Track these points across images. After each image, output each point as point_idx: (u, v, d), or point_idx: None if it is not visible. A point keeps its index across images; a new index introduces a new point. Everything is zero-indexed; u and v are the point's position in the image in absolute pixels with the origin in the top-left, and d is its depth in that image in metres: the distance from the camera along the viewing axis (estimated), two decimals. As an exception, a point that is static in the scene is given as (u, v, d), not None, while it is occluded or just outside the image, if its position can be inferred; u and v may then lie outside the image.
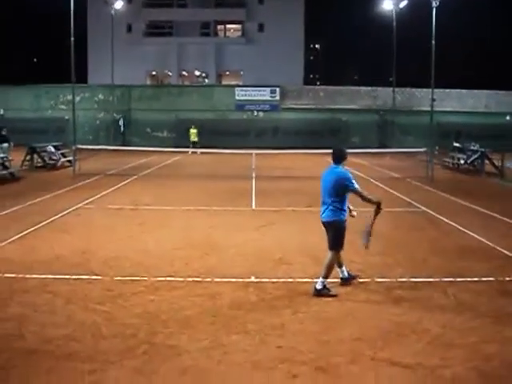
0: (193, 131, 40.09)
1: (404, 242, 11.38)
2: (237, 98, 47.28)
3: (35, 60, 74.09)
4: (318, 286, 7.73)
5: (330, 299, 7.61)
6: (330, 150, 8.06)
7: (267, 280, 8.49)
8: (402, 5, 40.20)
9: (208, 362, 5.69)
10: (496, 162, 25.72)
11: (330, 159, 8.15)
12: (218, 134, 43.23)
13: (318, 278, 7.83)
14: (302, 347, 6.04)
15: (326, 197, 7.80)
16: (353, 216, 8.11)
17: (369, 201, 7.89)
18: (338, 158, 7.95)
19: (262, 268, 9.20)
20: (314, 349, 5.99)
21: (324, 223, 7.95)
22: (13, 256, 9.81)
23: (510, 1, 52.23)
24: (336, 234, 7.79)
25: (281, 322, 6.79)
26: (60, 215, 13.85)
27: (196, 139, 39.56)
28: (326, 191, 7.82)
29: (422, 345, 6.14)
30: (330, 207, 7.76)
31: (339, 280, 8.26)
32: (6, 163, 22.32)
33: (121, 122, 45.59)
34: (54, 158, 26.99)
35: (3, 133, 24.00)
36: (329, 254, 7.83)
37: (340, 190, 7.72)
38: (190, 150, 35.51)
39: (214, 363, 5.68)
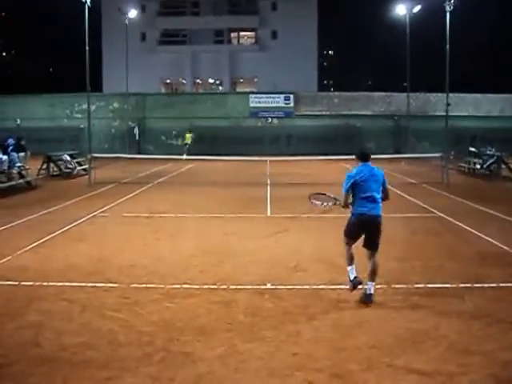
0: (188, 135, 41.05)
1: (421, 248, 11.30)
2: (251, 105, 47.37)
3: (50, 69, 74.86)
4: (372, 291, 7.74)
5: (345, 306, 7.57)
6: (361, 151, 8.27)
7: (283, 287, 8.46)
8: (416, 10, 40.12)
9: (224, 370, 5.68)
10: (513, 167, 25.53)
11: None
12: (232, 142, 43.38)
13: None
14: (318, 354, 6.01)
15: (376, 193, 7.87)
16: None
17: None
18: (370, 155, 8.27)
19: (278, 275, 9.18)
20: (330, 356, 5.96)
21: (375, 218, 7.83)
22: (29, 264, 9.87)
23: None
24: (380, 230, 7.88)
25: (296, 329, 6.77)
26: (76, 223, 13.93)
27: (189, 142, 40.38)
28: (377, 187, 7.91)
29: (439, 351, 6.08)
30: (380, 203, 7.92)
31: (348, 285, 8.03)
32: (23, 172, 22.52)
33: (135, 131, 45.86)
34: (70, 166, 27.18)
35: (22, 142, 24.23)
36: (377, 257, 7.85)
37: (381, 187, 8.03)
38: (184, 156, 33.72)
39: (229, 371, 5.66)
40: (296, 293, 8.23)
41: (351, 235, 7.99)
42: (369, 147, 8.13)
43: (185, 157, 33.02)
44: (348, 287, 7.97)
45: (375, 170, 8.03)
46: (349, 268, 7.91)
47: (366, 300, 7.63)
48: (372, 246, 7.85)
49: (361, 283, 7.80)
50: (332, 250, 10.89)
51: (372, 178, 7.90)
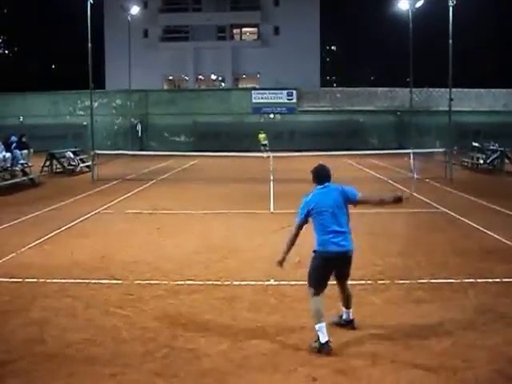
0: (261, 135, 39.01)
1: (424, 243, 11.29)
2: (253, 101, 47.34)
3: (53, 66, 74.84)
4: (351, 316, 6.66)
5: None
6: (317, 171, 6.61)
7: (286, 283, 8.46)
8: (418, 4, 39.92)
9: (228, 366, 5.69)
10: (516, 162, 25.49)
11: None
12: (235, 138, 43.44)
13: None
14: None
15: (342, 221, 6.29)
16: None
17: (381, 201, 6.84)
18: (329, 176, 6.57)
19: (281, 271, 9.12)
20: (334, 351, 5.94)
21: (345, 254, 6.29)
22: (33, 261, 9.90)
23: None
24: (351, 262, 6.45)
25: (300, 324, 6.76)
26: (79, 220, 13.95)
27: (266, 142, 38.40)
28: (342, 214, 6.31)
29: (443, 347, 6.07)
30: (348, 233, 6.33)
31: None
32: (26, 169, 22.56)
33: (138, 127, 45.86)
34: (73, 163, 27.24)
35: (24, 139, 24.28)
36: (348, 283, 6.65)
37: (347, 209, 6.41)
38: (267, 154, 32.44)
39: (233, 367, 5.67)
40: (299, 288, 8.21)
41: (319, 283, 6.30)
42: (324, 167, 6.53)
43: (265, 154, 32.48)
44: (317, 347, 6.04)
45: (335, 193, 6.35)
46: (317, 326, 6.04)
47: (346, 322, 6.62)
48: (343, 277, 6.54)
49: (331, 352, 5.93)
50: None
51: (334, 204, 6.28)
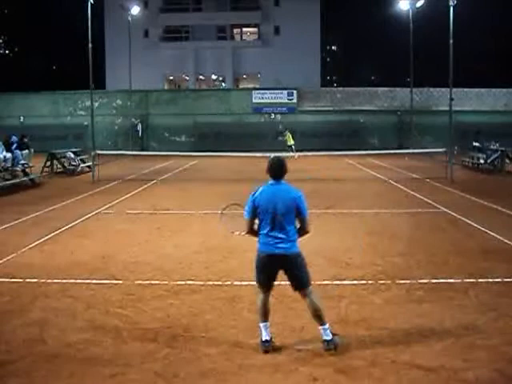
0: (289, 136, 37.93)
1: (425, 243, 11.28)
2: (254, 101, 47.36)
3: (54, 67, 74.90)
4: (330, 337, 5.99)
5: (349, 302, 7.55)
6: (271, 164, 6.17)
7: (286, 283, 8.42)
8: (419, 4, 39.93)
9: (228, 366, 5.68)
10: (517, 161, 25.49)
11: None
12: (235, 138, 43.47)
13: (323, 324, 6.05)
14: (323, 350, 5.99)
15: (285, 223, 5.96)
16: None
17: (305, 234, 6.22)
18: (283, 171, 6.19)
19: (281, 271, 9.14)
20: (335, 351, 5.94)
21: (284, 256, 6.04)
22: (33, 261, 9.89)
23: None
24: (300, 267, 6.13)
25: (301, 324, 6.75)
26: (80, 220, 13.94)
27: (292, 142, 37.41)
28: (288, 216, 5.98)
29: (443, 347, 6.06)
30: (291, 237, 6.03)
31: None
32: (27, 170, 22.57)
33: (138, 127, 45.90)
34: (74, 163, 27.24)
35: (25, 140, 24.32)
36: (313, 294, 6.13)
37: (294, 214, 6.04)
38: (296, 154, 31.16)
39: (234, 367, 5.66)
40: (300, 289, 8.21)
41: (260, 281, 6.20)
42: (282, 161, 6.23)
43: (296, 154, 31.67)
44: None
45: (285, 193, 6.07)
46: (261, 325, 6.13)
47: (329, 348, 5.93)
48: (297, 285, 6.17)
49: (268, 351, 5.96)
50: (336, 245, 10.91)
51: (281, 206, 5.94)
